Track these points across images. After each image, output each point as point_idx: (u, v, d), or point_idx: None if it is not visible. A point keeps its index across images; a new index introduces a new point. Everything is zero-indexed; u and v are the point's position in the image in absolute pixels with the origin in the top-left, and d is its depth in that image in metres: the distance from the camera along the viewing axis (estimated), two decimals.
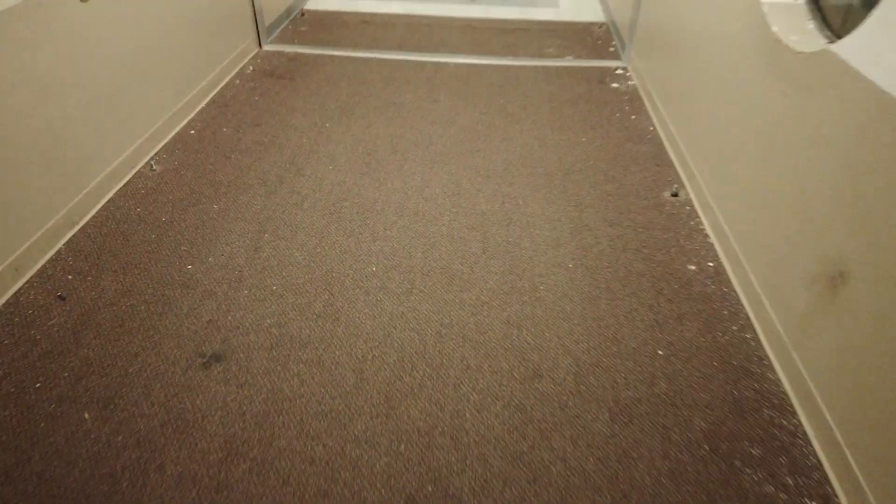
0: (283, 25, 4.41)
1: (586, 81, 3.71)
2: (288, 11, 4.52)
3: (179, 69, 3.03)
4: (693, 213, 2.50)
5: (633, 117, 3.28)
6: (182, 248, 2.23)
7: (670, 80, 3.05)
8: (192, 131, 3.00)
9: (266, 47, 4.05)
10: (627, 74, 3.80)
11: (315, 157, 2.83)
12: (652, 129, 3.15)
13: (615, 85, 3.66)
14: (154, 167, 2.67)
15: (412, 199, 2.55)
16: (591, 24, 4.69)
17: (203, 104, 3.25)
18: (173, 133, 2.95)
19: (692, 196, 2.59)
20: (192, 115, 3.13)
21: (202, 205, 2.46)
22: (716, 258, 2.24)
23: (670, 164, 2.82)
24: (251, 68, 3.71)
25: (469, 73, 3.78)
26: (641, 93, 3.54)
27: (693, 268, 2.19)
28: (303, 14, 4.69)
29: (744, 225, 2.11)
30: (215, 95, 3.36)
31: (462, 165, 2.79)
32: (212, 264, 2.16)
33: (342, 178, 2.67)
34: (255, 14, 3.88)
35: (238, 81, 3.55)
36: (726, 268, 2.18)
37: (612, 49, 4.22)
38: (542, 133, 3.09)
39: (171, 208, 2.43)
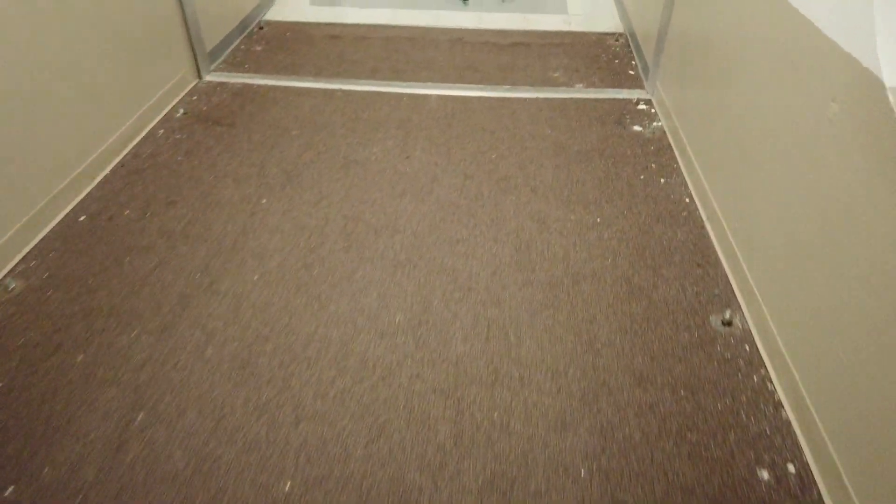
0: (233, 44, 3.65)
1: (601, 122, 2.94)
2: (242, 26, 3.75)
3: (72, 128, 2.30)
4: (755, 359, 1.77)
5: (663, 181, 2.53)
6: (8, 449, 1.53)
7: (711, 124, 2.29)
8: (83, 217, 2.28)
9: (208, 77, 3.30)
10: (653, 111, 3.04)
11: (238, 257, 2.11)
12: (687, 200, 2.41)
13: (637, 128, 2.90)
14: (11, 285, 1.96)
15: (361, 337, 1.83)
16: (607, 35, 3.90)
17: (107, 171, 2.52)
18: (55, 222, 2.23)
19: (751, 324, 1.86)
20: (88, 189, 2.41)
21: (61, 355, 1.76)
22: (798, 455, 1.51)
23: (716, 263, 2.09)
24: (181, 111, 2.97)
25: (454, 111, 3.03)
26: (671, 139, 2.78)
27: (766, 476, 1.47)
28: (261, 27, 3.92)
29: (836, 395, 1.38)
30: (127, 156, 2.63)
31: (435, 269, 2.07)
32: (46, 482, 1.45)
33: (269, 298, 1.95)
34: (190, 39, 3.13)
35: (161, 132, 2.81)
36: (817, 479, 1.46)
37: (632, 72, 3.44)
38: (543, 209, 2.35)
39: (12, 366, 1.73)
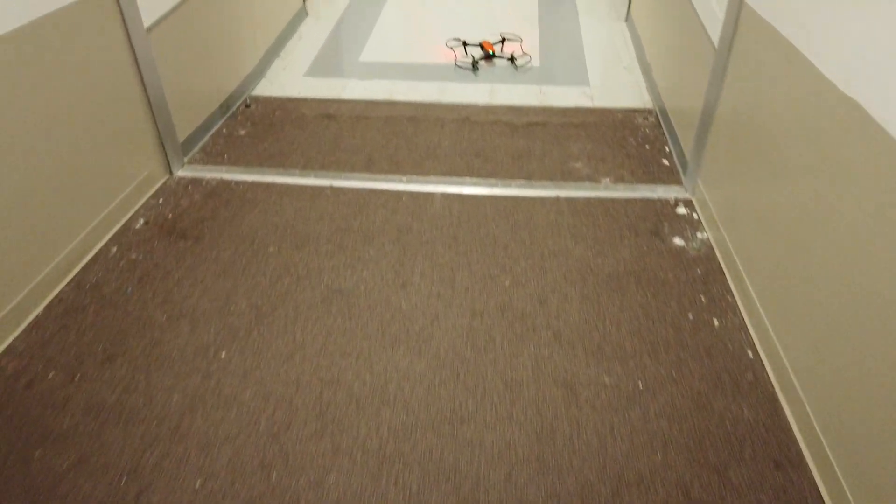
0: (214, 128, 3.25)
1: (633, 231, 2.48)
2: (225, 106, 3.35)
3: (2, 255, 1.88)
4: None
5: (717, 323, 2.05)
6: None
7: (772, 239, 1.82)
8: None
9: (180, 173, 2.88)
10: (695, 217, 2.57)
11: (180, 449, 1.65)
12: (751, 354, 1.92)
13: (678, 241, 2.43)
14: None
15: None
16: (634, 112, 3.45)
17: (40, 309, 2.09)
18: None
19: None
20: (12, 337, 1.97)
21: None
22: None
23: (801, 464, 1.59)
24: (142, 220, 2.55)
25: (461, 215, 2.58)
26: (720, 258, 2.31)
27: None
28: (247, 105, 3.51)
29: None
30: (68, 287, 2.19)
31: (431, 470, 1.59)
32: None
33: None
34: (158, 129, 2.72)
35: (114, 250, 2.38)
36: None
37: (666, 161, 2.98)
38: (570, 367, 1.88)
39: None
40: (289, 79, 3.83)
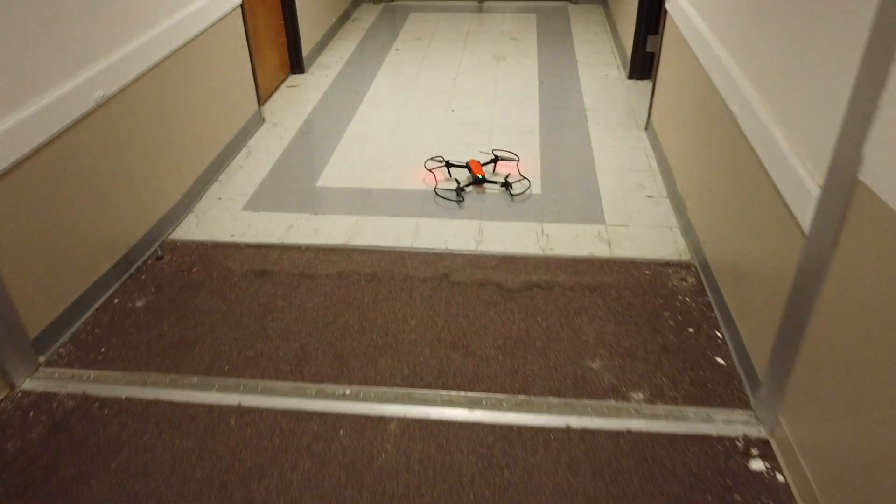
0: (100, 300, 2.40)
1: (687, 494, 1.57)
2: (123, 264, 2.52)
3: None
4: None
5: None
6: None
7: None
8: None
9: (28, 384, 2.02)
10: (780, 481, 1.66)
11: None
12: None
13: None
14: None
15: None
16: (666, 266, 2.60)
17: None
18: None
19: None
20: None
21: None
22: None
23: None
24: None
25: (424, 469, 1.73)
26: None
27: None
28: (159, 256, 2.67)
29: None
30: None
31: None
32: None
33: None
34: None
35: None
36: None
37: (721, 360, 2.10)
38: None
39: None
40: (222, 214, 3.01)
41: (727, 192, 2.29)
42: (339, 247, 2.78)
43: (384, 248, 2.77)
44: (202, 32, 3.06)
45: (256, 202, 3.11)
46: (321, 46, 4.94)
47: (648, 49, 4.26)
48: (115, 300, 2.43)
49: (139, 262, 2.64)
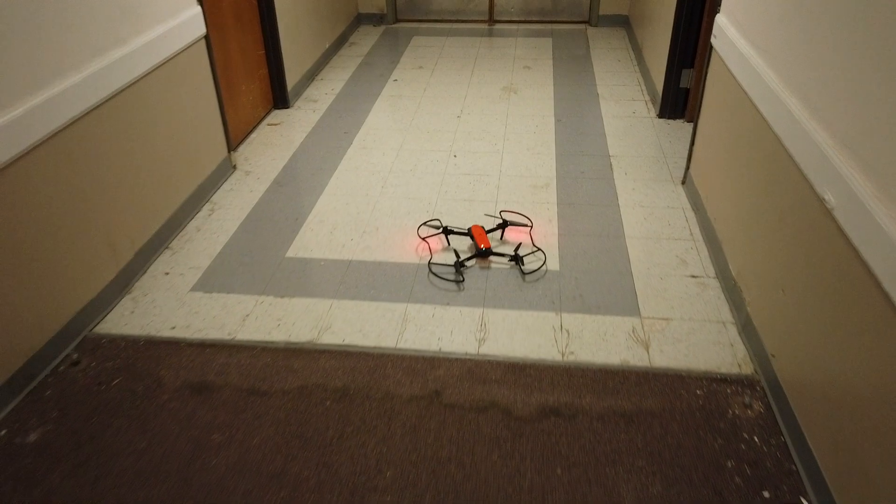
0: None
1: None
2: (22, 377, 1.95)
3: None
4: None
5: None
6: None
7: None
8: None
9: None
10: None
11: None
12: None
13: None
14: None
15: None
16: (724, 383, 2.00)
17: None
18: None
19: None
20: None
21: None
22: None
23: None
24: None
25: None
26: None
27: None
28: (75, 361, 2.11)
29: None
30: None
31: None
32: None
33: None
34: None
35: None
36: None
37: None
38: None
39: None
40: (166, 296, 2.44)
41: (809, 291, 1.69)
42: (305, 346, 2.20)
43: (361, 348, 2.18)
44: (151, 71, 2.51)
45: (211, 279, 2.53)
46: (311, 76, 4.39)
47: (683, 85, 3.67)
48: (2, 431, 1.86)
49: (46, 371, 2.06)
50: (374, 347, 2.19)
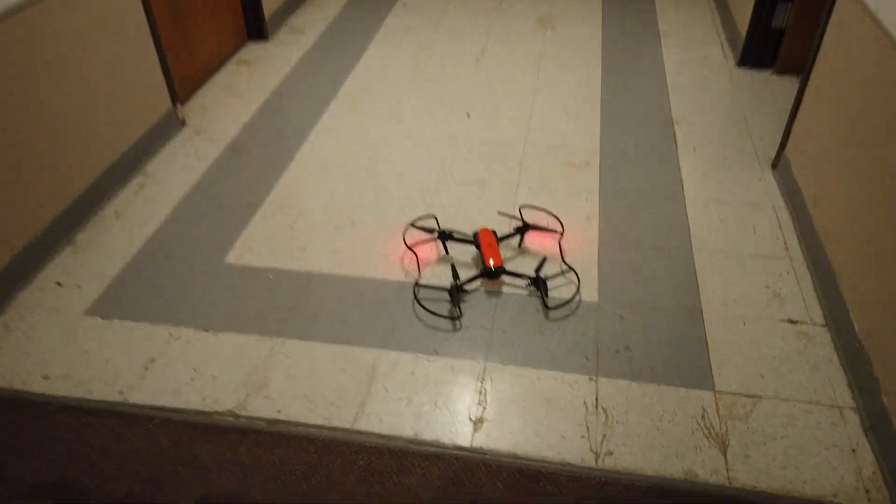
0: None
1: None
2: None
3: None
4: None
5: None
6: None
7: None
8: None
9: None
10: None
11: None
12: None
13: None
14: None
15: None
16: None
17: None
18: None
19: None
20: None
21: None
22: None
23: None
24: None
25: None
26: None
27: None
28: None
29: None
30: None
31: None
32: None
33: None
34: None
35: None
36: None
37: None
38: None
39: None
40: (50, 321, 1.78)
41: None
42: (223, 421, 1.51)
43: (303, 427, 1.51)
44: None
45: (116, 296, 1.85)
46: None
47: (776, 24, 2.77)
48: None
49: None
50: (322, 427, 1.51)
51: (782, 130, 2.26)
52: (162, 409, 1.56)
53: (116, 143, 2.23)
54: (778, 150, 2.29)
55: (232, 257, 1.98)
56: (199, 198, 2.22)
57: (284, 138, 2.52)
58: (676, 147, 2.44)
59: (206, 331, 1.75)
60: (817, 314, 1.76)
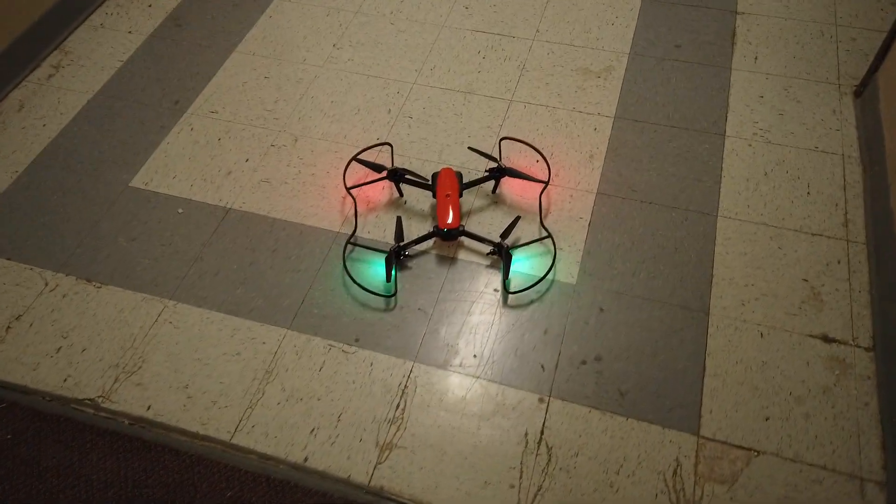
0: None
1: None
2: None
3: None
4: None
5: None
6: None
7: None
8: None
9: None
10: None
11: None
12: None
13: None
14: None
15: None
16: None
17: None
18: None
19: None
20: None
21: None
22: None
23: None
24: None
25: None
26: None
27: None
28: None
29: None
30: None
31: None
32: None
33: None
34: None
35: None
36: None
37: None
38: None
39: None
40: None
41: None
42: (77, 417, 1.25)
43: (167, 437, 1.23)
44: None
45: None
46: None
47: None
48: None
49: None
50: (195, 437, 1.22)
51: (874, 59, 1.64)
52: (14, 387, 1.29)
53: (28, 6, 1.80)
54: (868, 71, 1.69)
55: (140, 179, 1.62)
56: (120, 89, 1.82)
57: (238, 7, 2.03)
58: (733, 51, 1.85)
59: (89, 281, 1.44)
60: (865, 332, 1.32)
